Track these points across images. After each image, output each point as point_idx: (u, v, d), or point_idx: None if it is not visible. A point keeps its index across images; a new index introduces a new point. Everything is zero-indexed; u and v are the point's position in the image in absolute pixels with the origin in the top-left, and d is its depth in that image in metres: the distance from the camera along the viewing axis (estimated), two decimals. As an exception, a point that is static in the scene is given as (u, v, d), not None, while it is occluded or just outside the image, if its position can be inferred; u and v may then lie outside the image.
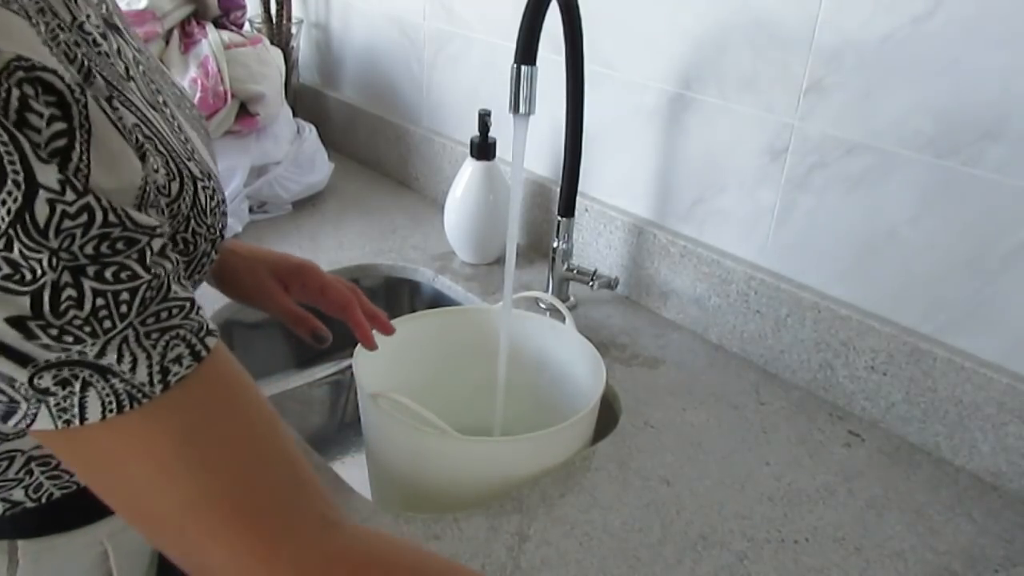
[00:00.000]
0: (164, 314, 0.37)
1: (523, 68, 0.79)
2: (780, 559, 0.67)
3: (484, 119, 1.07)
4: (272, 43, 1.36)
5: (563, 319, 0.90)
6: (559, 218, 1.01)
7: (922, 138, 0.76)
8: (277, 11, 1.43)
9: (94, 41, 0.42)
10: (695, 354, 0.96)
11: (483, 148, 1.09)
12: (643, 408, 0.85)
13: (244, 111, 1.22)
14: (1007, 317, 0.74)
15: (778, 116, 0.86)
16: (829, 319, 0.86)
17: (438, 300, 1.12)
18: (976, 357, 0.77)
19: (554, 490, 0.73)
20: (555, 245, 1.02)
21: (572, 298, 1.06)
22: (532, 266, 1.15)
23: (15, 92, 0.32)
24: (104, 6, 0.47)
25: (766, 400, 0.88)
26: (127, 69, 0.44)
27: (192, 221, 0.46)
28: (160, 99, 0.48)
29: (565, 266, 1.02)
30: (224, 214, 0.51)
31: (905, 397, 0.81)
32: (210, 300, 1.00)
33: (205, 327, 0.40)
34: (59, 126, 0.33)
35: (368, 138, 1.47)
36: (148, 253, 0.37)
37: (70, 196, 0.33)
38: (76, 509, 0.56)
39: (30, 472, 0.52)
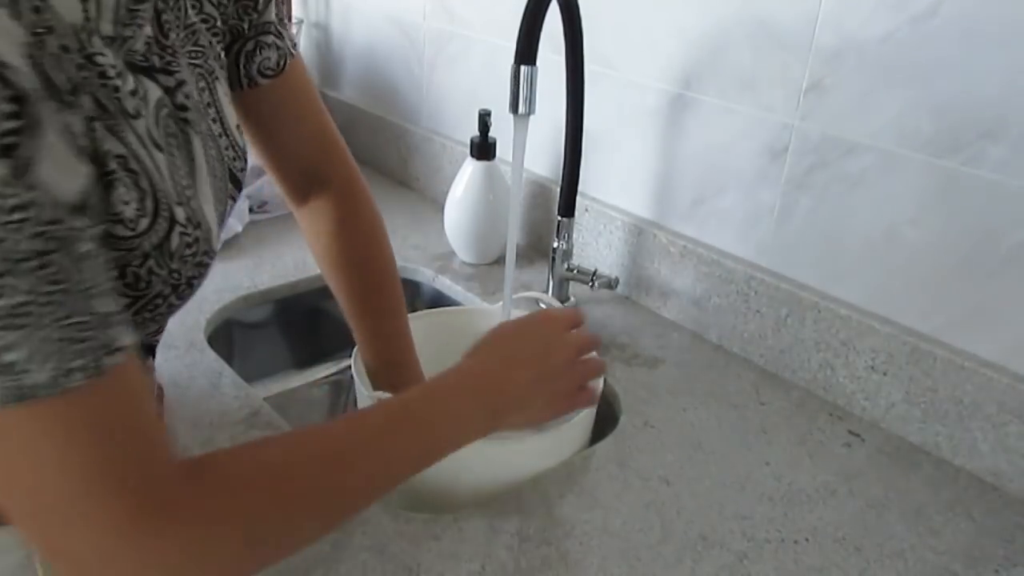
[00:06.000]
0: (80, 322, 0.37)
1: (523, 68, 0.79)
2: (780, 559, 0.67)
3: (484, 119, 1.07)
4: (272, 43, 1.36)
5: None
6: (559, 218, 1.01)
7: (922, 138, 0.76)
8: (277, 11, 1.43)
9: (102, 74, 0.43)
10: (695, 354, 0.96)
11: (483, 148, 1.09)
12: (643, 408, 0.86)
13: (244, 111, 1.22)
14: (1007, 317, 0.74)
15: (778, 116, 0.86)
16: (829, 319, 0.86)
17: (438, 300, 1.12)
18: (976, 357, 0.77)
19: (554, 490, 0.73)
20: (555, 245, 1.02)
21: (572, 298, 1.06)
22: (532, 266, 1.15)
23: None
24: (144, 50, 0.48)
25: (766, 400, 0.88)
26: (137, 109, 0.45)
27: (151, 260, 0.46)
28: (174, 142, 0.49)
29: (565, 266, 1.02)
30: (202, 264, 0.50)
31: (905, 397, 0.81)
32: (211, 298, 1.00)
33: (111, 346, 0.39)
34: (10, 124, 0.34)
35: (368, 138, 1.47)
36: (77, 257, 0.37)
37: (10, 190, 0.34)
38: None
39: None
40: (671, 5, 0.93)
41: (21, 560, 0.57)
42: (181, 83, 0.51)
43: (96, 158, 0.41)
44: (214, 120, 0.56)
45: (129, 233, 0.44)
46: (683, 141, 0.97)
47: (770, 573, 0.66)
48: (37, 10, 0.37)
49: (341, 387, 1.12)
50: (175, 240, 0.47)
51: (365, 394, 0.77)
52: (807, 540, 0.70)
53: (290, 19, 1.45)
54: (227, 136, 0.58)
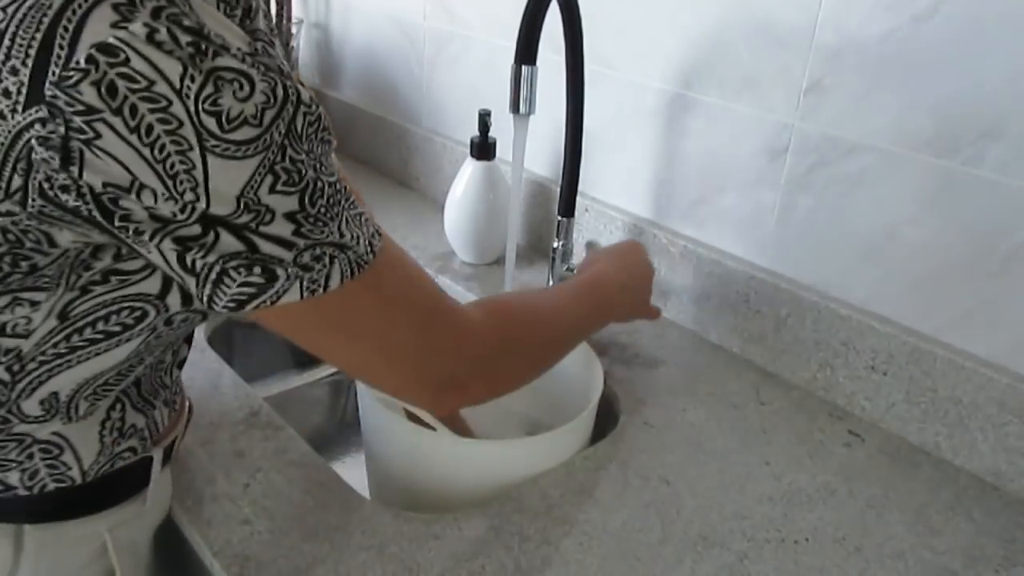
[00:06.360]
0: (354, 201, 0.48)
1: (523, 68, 0.79)
2: (780, 559, 0.67)
3: (484, 119, 1.07)
4: (272, 43, 1.36)
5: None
6: (559, 218, 1.01)
7: (922, 138, 0.76)
8: (277, 11, 1.43)
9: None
10: (695, 354, 0.96)
11: (483, 148, 1.09)
12: (643, 408, 0.85)
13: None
14: (1007, 317, 0.74)
15: (778, 116, 0.86)
16: (829, 319, 0.86)
17: (438, 300, 1.12)
18: (976, 357, 0.77)
19: (554, 490, 0.73)
20: (555, 245, 1.02)
21: (572, 298, 1.05)
22: (532, 266, 1.15)
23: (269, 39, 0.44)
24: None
25: (766, 400, 0.88)
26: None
27: None
28: None
29: (565, 266, 1.02)
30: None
31: (905, 397, 0.81)
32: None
33: (371, 218, 0.51)
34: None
35: (368, 138, 1.47)
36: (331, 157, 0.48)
37: (314, 107, 0.44)
38: (75, 500, 0.57)
39: (31, 456, 0.54)
40: (671, 5, 0.93)
41: (97, 551, 0.61)
42: None
43: None
44: None
45: None
46: (683, 141, 0.97)
47: (770, 573, 0.66)
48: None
49: (341, 387, 1.12)
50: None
51: (365, 393, 0.77)
52: (807, 540, 0.70)
53: (290, 19, 1.45)
54: None
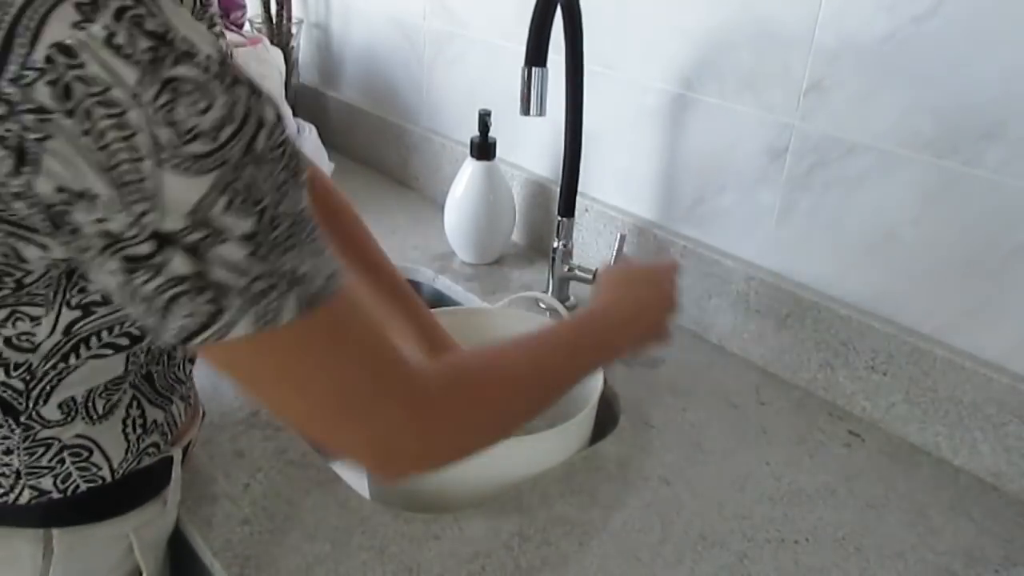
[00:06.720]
0: (318, 236, 0.45)
1: (534, 70, 0.79)
2: (780, 559, 0.67)
3: (484, 119, 1.07)
4: (272, 43, 1.36)
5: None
6: (559, 218, 1.01)
7: (922, 138, 0.76)
8: (277, 11, 1.43)
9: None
10: (695, 354, 0.96)
11: (483, 148, 1.09)
12: (643, 408, 0.85)
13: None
14: (1007, 317, 0.74)
15: (778, 116, 0.86)
16: (829, 319, 0.86)
17: (438, 300, 1.12)
18: (976, 357, 0.77)
19: (554, 490, 0.73)
20: (555, 245, 1.02)
21: (572, 298, 1.06)
22: (532, 266, 1.15)
23: (231, 59, 0.41)
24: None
25: (766, 400, 0.88)
26: None
27: None
28: None
29: (565, 266, 1.02)
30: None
31: (905, 397, 0.81)
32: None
33: (335, 258, 0.48)
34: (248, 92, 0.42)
35: (368, 138, 1.47)
36: (302, 184, 0.45)
37: (278, 132, 0.42)
38: (104, 501, 0.58)
39: (62, 461, 0.56)
40: (671, 5, 0.93)
41: (124, 552, 0.62)
42: None
43: None
44: None
45: None
46: (683, 141, 0.97)
47: (770, 573, 0.66)
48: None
49: (341, 387, 1.12)
50: None
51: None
52: (807, 540, 0.70)
53: (290, 19, 1.45)
54: None
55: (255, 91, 0.42)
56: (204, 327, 0.42)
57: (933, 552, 0.69)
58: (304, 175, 0.45)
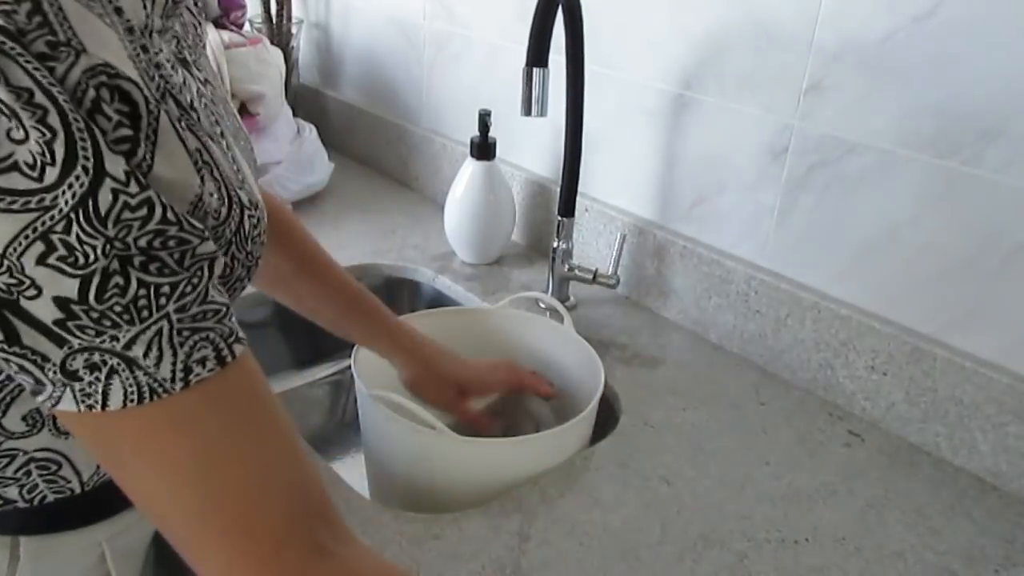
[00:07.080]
0: (199, 315, 0.39)
1: (535, 70, 0.79)
2: (780, 559, 0.67)
3: (484, 119, 1.07)
4: (272, 43, 1.36)
5: (563, 320, 0.90)
6: (559, 218, 1.01)
7: (922, 138, 0.76)
8: (277, 11, 1.43)
9: (165, 71, 0.44)
10: (695, 354, 0.96)
11: (483, 148, 1.09)
12: (643, 408, 0.85)
13: (244, 111, 1.22)
14: (1007, 317, 0.74)
15: (778, 116, 0.86)
16: (829, 319, 0.86)
17: (438, 300, 1.12)
18: (976, 357, 0.77)
19: (554, 490, 0.73)
20: (555, 245, 1.02)
21: (572, 298, 1.06)
22: (532, 266, 1.15)
23: (91, 93, 0.34)
24: (176, 42, 0.49)
25: (766, 400, 0.88)
26: (191, 102, 0.46)
27: (233, 246, 0.47)
28: (218, 130, 0.50)
29: (565, 266, 1.02)
30: (264, 243, 0.52)
31: (905, 397, 0.81)
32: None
33: (235, 334, 0.41)
34: (124, 132, 0.36)
35: (368, 138, 1.47)
36: (192, 254, 0.38)
37: (133, 188, 0.35)
38: (74, 511, 0.57)
39: (28, 473, 0.53)
40: (671, 5, 0.93)
41: (96, 560, 0.60)
42: (202, 69, 0.52)
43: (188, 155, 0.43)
44: (225, 102, 0.57)
45: (216, 223, 0.45)
46: (683, 141, 0.97)
47: (770, 573, 0.66)
48: (119, 11, 0.38)
49: (341, 387, 1.12)
50: (247, 223, 0.48)
51: (365, 393, 0.77)
52: (807, 540, 0.70)
53: (290, 19, 1.45)
54: (236, 116, 0.59)
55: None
56: (35, 394, 0.37)
57: (933, 552, 0.69)
58: (191, 246, 0.38)
